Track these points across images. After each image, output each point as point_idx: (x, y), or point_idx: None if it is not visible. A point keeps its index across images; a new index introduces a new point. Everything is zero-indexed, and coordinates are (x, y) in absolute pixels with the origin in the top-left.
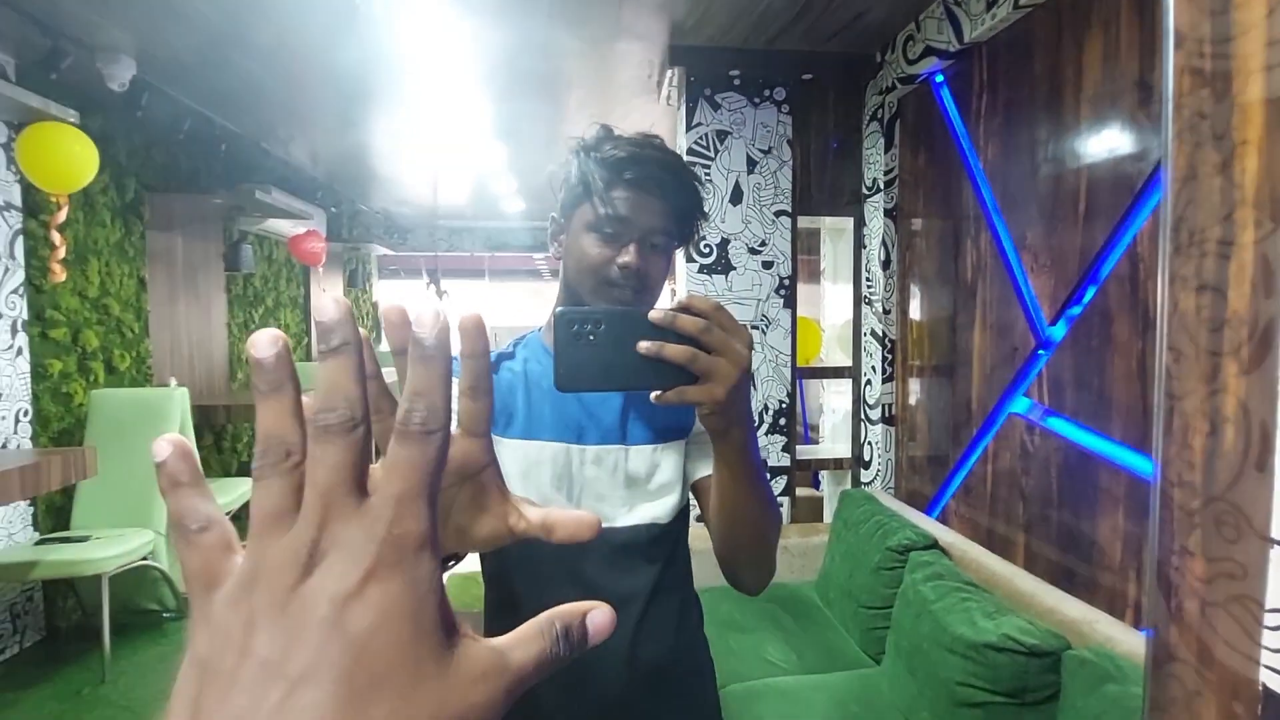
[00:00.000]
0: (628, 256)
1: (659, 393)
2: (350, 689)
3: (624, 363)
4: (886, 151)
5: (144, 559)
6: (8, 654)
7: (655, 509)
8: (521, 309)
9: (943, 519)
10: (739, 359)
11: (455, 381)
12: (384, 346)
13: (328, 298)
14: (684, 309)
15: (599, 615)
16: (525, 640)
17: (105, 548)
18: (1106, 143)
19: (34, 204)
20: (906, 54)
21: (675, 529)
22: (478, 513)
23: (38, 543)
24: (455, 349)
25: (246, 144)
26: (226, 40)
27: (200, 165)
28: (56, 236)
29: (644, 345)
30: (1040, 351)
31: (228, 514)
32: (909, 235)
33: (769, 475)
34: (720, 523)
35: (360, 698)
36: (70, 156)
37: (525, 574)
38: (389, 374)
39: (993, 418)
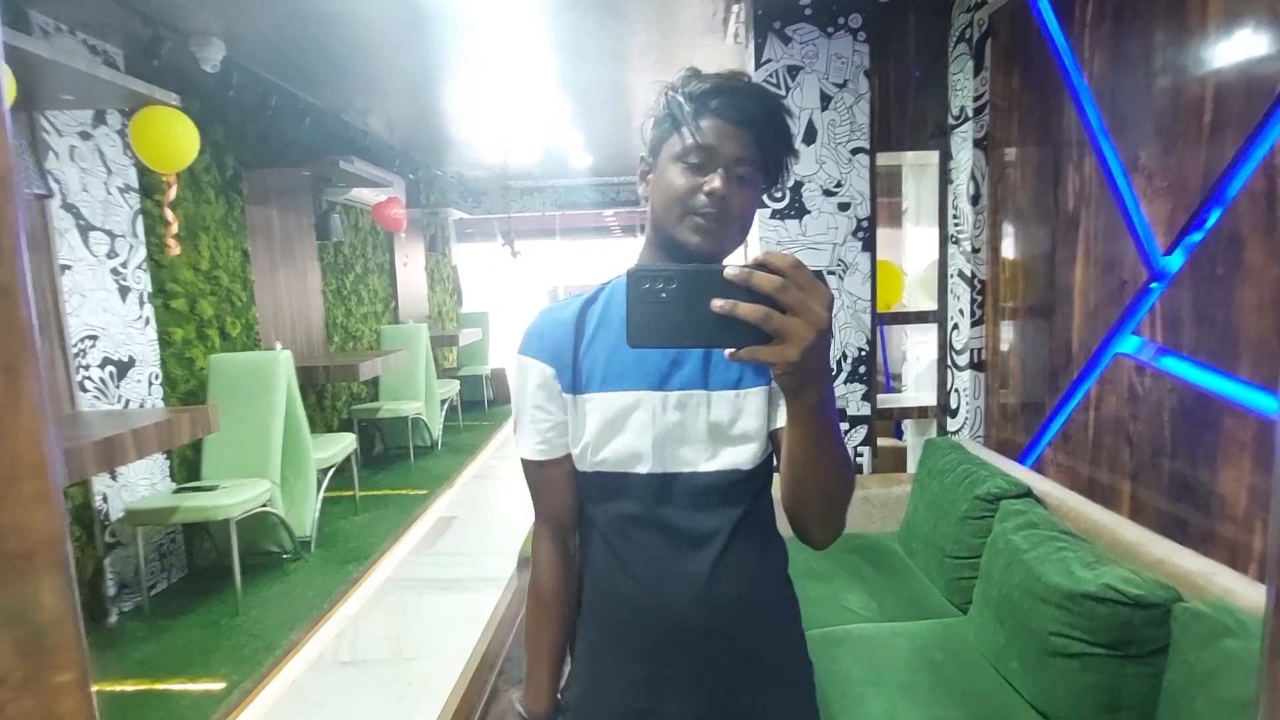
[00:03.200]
0: (714, 183)
1: (732, 351)
2: None
3: (697, 320)
4: (976, 76)
5: (264, 506)
6: (158, 588)
7: (737, 455)
8: (591, 266)
9: (1037, 468)
10: (816, 320)
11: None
12: (464, 308)
13: None
14: (760, 265)
15: None
16: None
17: (231, 495)
18: (1239, 44)
19: (148, 185)
20: None
21: (758, 475)
22: None
23: (175, 491)
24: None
25: (329, 116)
26: (302, 14)
27: (289, 140)
28: (169, 213)
29: (717, 303)
30: (1153, 285)
31: (332, 466)
32: (1001, 166)
33: (848, 426)
34: (788, 478)
35: None
36: (176, 137)
37: (612, 515)
38: (469, 335)
39: (1096, 359)
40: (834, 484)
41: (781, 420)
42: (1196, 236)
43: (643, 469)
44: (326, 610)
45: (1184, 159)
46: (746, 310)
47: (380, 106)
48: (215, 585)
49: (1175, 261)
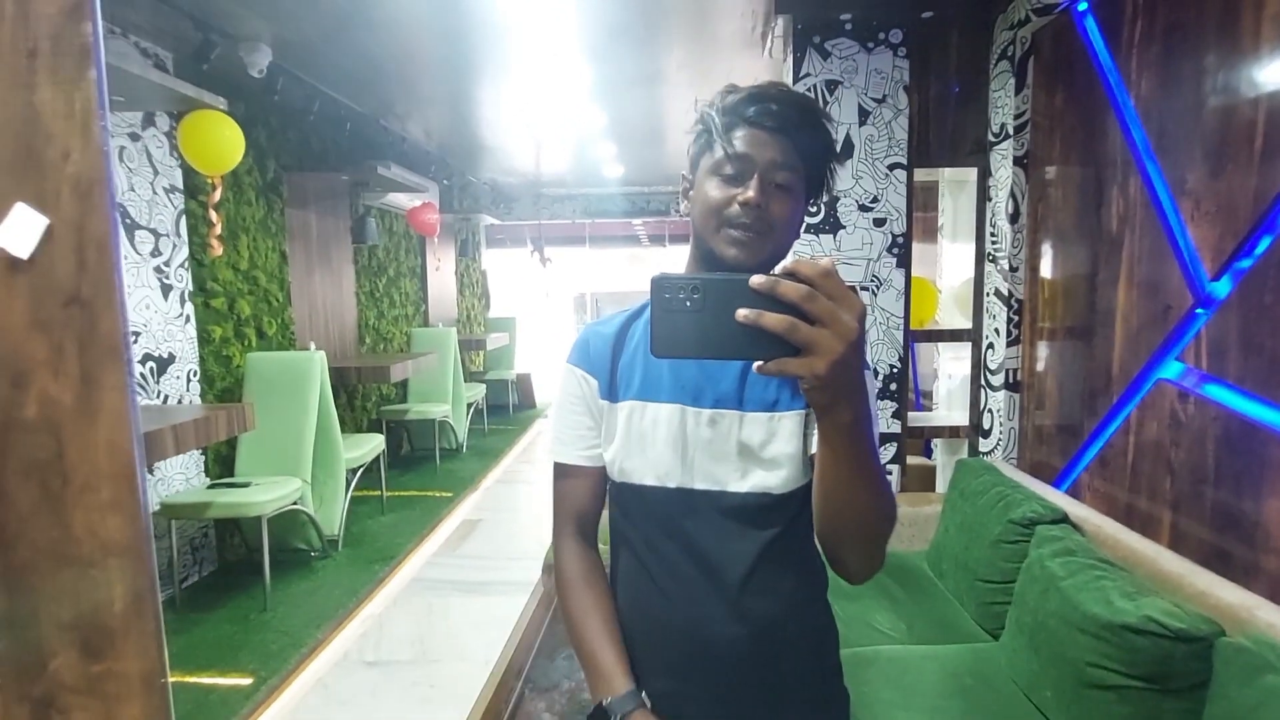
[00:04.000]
0: (748, 192)
1: (760, 363)
2: None
3: (722, 331)
4: (1018, 93)
5: (294, 504)
6: (190, 581)
7: (769, 478)
8: (620, 275)
9: (1073, 493)
10: (845, 332)
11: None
12: (492, 313)
13: None
14: (788, 274)
15: None
16: None
17: (263, 493)
18: None
19: (193, 186)
20: None
21: (790, 500)
22: None
23: (209, 487)
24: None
25: (368, 122)
26: (348, 21)
27: (329, 145)
28: (214, 214)
29: (741, 312)
30: (1199, 310)
31: (360, 466)
32: (1042, 185)
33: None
34: (819, 503)
35: None
36: (222, 140)
37: (640, 528)
38: (496, 340)
39: (1137, 384)
40: (869, 512)
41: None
42: (1245, 263)
43: (671, 483)
44: (352, 609)
45: (1233, 183)
46: (771, 321)
47: (419, 113)
48: (244, 580)
49: (1223, 288)
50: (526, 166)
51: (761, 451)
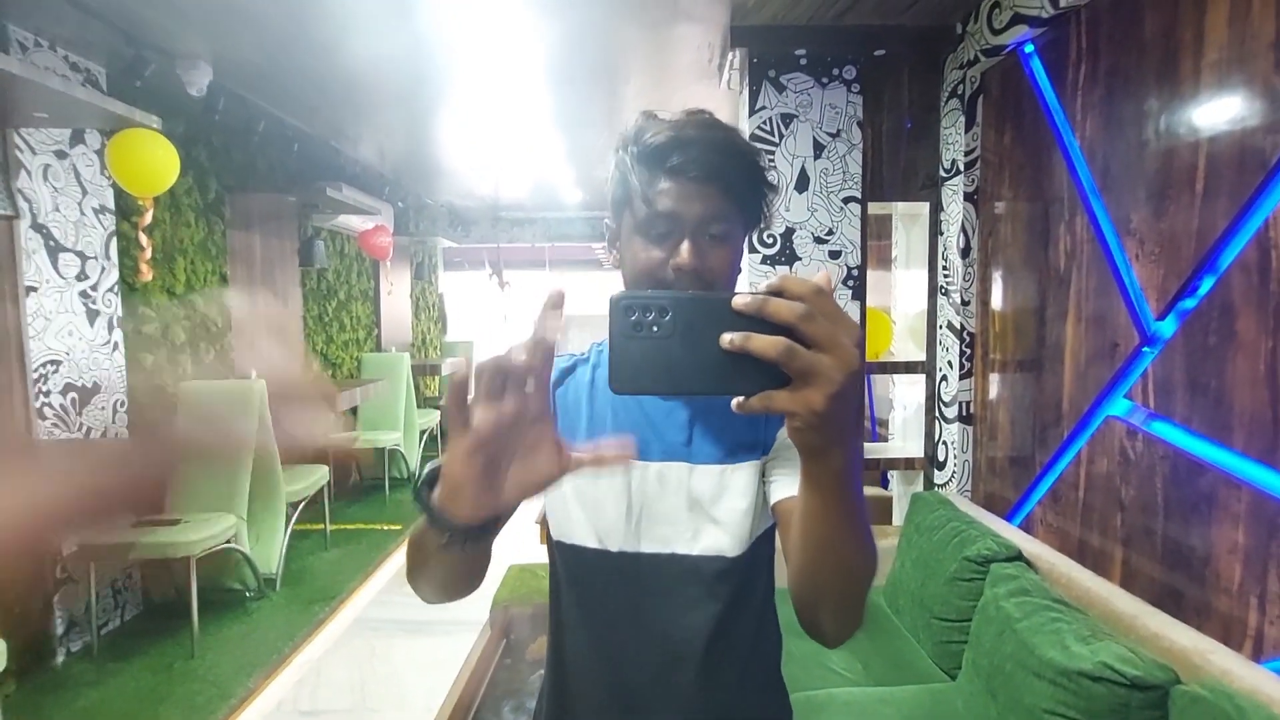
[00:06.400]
0: (681, 256)
1: (740, 399)
2: None
3: (695, 360)
4: (967, 131)
5: (228, 542)
6: (110, 626)
7: (721, 539)
8: (581, 298)
9: (1026, 527)
10: (847, 359)
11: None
12: (449, 336)
13: None
14: (776, 292)
15: None
16: None
17: (193, 531)
18: (1231, 112)
19: (125, 207)
20: (992, 23)
21: (746, 563)
22: (532, 457)
23: (134, 524)
24: None
25: (317, 143)
26: (294, 42)
27: (275, 165)
28: (143, 238)
29: (728, 336)
30: (1145, 349)
31: (303, 499)
32: (992, 220)
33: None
34: (800, 559)
35: None
36: (153, 161)
37: (580, 602)
38: (452, 364)
39: (1086, 420)
40: (854, 568)
41: (784, 491)
42: (1189, 303)
43: (613, 546)
44: (288, 655)
45: (1176, 225)
46: (763, 345)
47: (371, 135)
48: (171, 624)
49: (1168, 327)
50: (485, 189)
51: (712, 508)
